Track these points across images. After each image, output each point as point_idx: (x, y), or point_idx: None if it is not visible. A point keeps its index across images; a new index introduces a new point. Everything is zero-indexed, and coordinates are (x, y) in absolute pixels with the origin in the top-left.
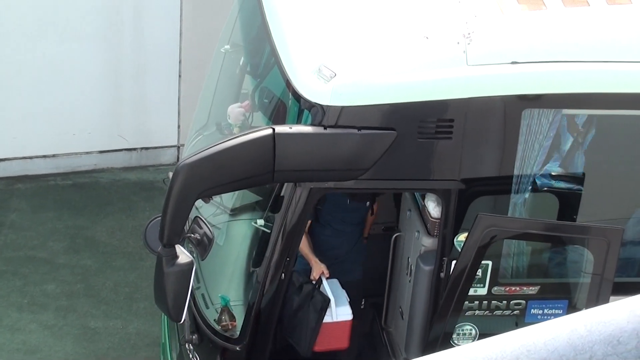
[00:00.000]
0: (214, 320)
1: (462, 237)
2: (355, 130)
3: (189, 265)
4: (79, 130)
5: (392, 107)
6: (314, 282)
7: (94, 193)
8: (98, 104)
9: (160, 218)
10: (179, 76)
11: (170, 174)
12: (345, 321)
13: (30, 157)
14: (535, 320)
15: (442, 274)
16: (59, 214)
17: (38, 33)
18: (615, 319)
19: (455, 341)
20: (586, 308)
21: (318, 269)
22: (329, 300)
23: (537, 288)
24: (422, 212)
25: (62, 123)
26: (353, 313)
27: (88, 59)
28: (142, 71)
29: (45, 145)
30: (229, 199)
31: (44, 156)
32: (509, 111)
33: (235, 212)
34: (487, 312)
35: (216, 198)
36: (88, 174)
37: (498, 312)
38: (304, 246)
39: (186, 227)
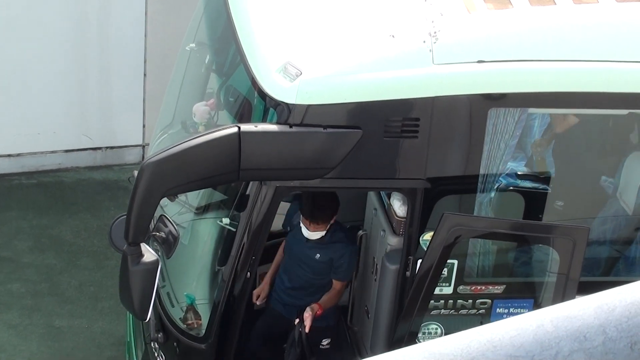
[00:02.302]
0: (180, 318)
1: (427, 236)
2: (321, 129)
3: (155, 263)
4: (43, 129)
5: (358, 106)
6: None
7: (59, 192)
8: (63, 103)
9: (125, 216)
10: (144, 75)
11: (136, 173)
12: None
13: None
14: (501, 319)
15: (407, 273)
16: (23, 214)
17: (2, 33)
18: (582, 315)
19: (421, 340)
20: None
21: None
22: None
23: (502, 287)
24: (387, 211)
25: (27, 122)
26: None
27: (53, 59)
28: (108, 70)
29: (9, 144)
30: (195, 197)
31: (9, 155)
32: (475, 110)
33: (200, 210)
34: (453, 311)
35: (181, 197)
36: (53, 174)
37: (464, 311)
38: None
39: (151, 226)
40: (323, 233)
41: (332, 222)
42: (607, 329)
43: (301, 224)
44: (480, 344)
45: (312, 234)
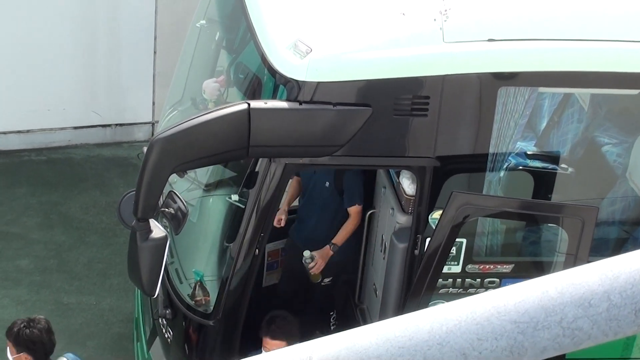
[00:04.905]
0: (188, 295)
1: (436, 214)
2: (331, 106)
3: (163, 239)
4: (53, 106)
5: (368, 83)
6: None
7: (68, 169)
8: (73, 80)
9: (134, 192)
10: (154, 52)
11: (145, 149)
12: None
13: (4, 133)
14: None
15: (416, 252)
16: (32, 190)
17: (12, 10)
18: (587, 282)
19: None
20: None
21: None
22: None
23: (511, 266)
24: (396, 189)
25: (37, 99)
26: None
27: (63, 35)
28: (117, 47)
29: (19, 120)
30: (204, 174)
31: (18, 132)
32: (485, 89)
33: (209, 187)
34: (461, 290)
35: (190, 173)
36: (62, 150)
37: (472, 290)
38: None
39: (160, 202)
40: None
41: None
42: (611, 295)
43: None
44: (485, 309)
45: None
